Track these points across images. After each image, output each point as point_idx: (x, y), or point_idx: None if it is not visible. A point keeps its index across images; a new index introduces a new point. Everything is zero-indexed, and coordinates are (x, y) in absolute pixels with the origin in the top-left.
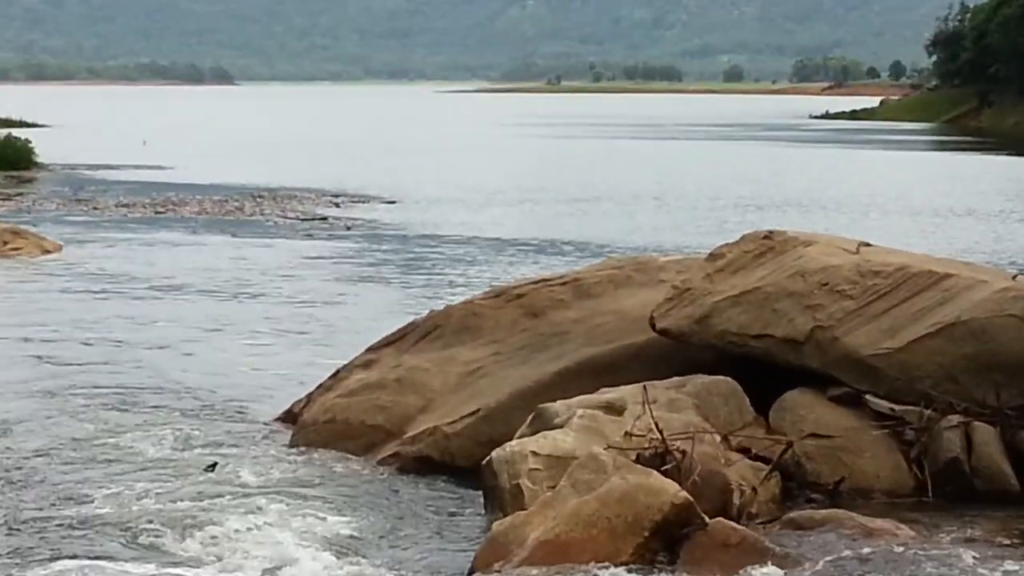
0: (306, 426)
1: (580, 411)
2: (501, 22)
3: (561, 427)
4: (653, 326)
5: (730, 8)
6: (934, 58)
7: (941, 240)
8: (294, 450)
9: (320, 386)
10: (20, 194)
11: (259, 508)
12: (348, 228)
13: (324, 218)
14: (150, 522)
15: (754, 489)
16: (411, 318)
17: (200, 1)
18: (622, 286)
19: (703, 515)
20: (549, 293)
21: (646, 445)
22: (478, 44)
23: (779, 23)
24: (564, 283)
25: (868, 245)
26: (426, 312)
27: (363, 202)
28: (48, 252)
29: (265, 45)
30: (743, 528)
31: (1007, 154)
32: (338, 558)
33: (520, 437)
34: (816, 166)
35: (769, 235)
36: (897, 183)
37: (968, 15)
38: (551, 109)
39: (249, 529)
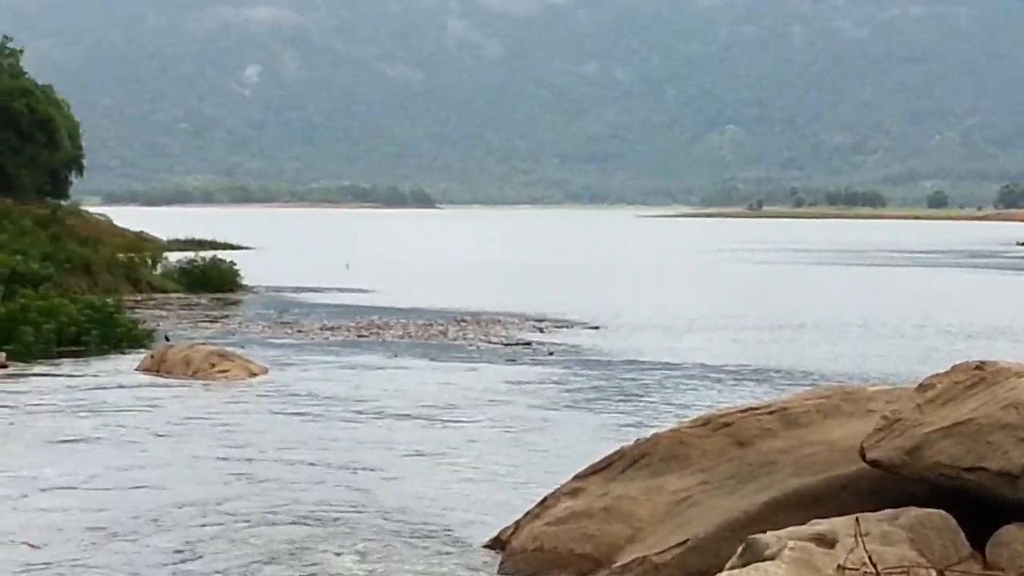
0: (514, 553)
1: (791, 543)
2: (701, 147)
3: (772, 559)
4: (863, 457)
5: (932, 133)
6: None
7: None
8: None
9: (528, 513)
10: (226, 316)
11: None
12: (551, 353)
13: (528, 343)
14: None
15: None
16: (617, 445)
17: (401, 125)
18: (830, 416)
19: None
20: (756, 422)
21: None
22: (678, 169)
23: (982, 148)
24: (771, 412)
25: None
26: (632, 440)
27: (566, 327)
28: (254, 374)
29: (466, 169)
30: None
31: None
32: None
33: (730, 569)
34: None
35: (981, 365)
36: None
37: None
38: (752, 234)
39: None
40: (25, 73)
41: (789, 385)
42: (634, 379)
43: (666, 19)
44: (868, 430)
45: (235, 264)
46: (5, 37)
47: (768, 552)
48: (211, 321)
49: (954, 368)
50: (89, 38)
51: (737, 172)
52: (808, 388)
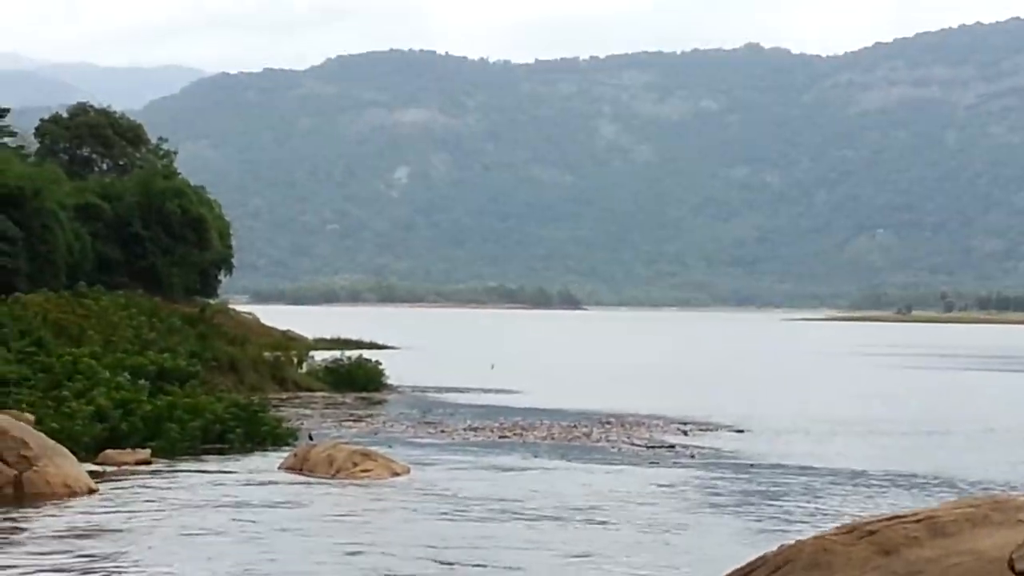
0: None
1: None
2: (850, 251)
3: None
4: (1012, 568)
5: None
6: None
7: None
8: None
9: None
10: (371, 415)
11: None
12: (692, 456)
13: (671, 446)
14: None
15: None
16: (759, 551)
17: (549, 227)
18: (979, 525)
19: None
20: (903, 530)
21: None
22: (826, 272)
23: None
24: (918, 520)
25: None
26: (775, 546)
27: (710, 430)
28: (397, 474)
29: (612, 271)
30: None
31: None
32: None
33: None
34: None
35: None
36: None
37: None
38: (901, 338)
39: None
40: (179, 174)
41: (937, 493)
42: (777, 483)
43: (817, 123)
44: (1018, 540)
45: (380, 363)
46: (160, 139)
47: None
48: (355, 420)
49: None
50: (242, 140)
51: (886, 277)
52: (956, 496)
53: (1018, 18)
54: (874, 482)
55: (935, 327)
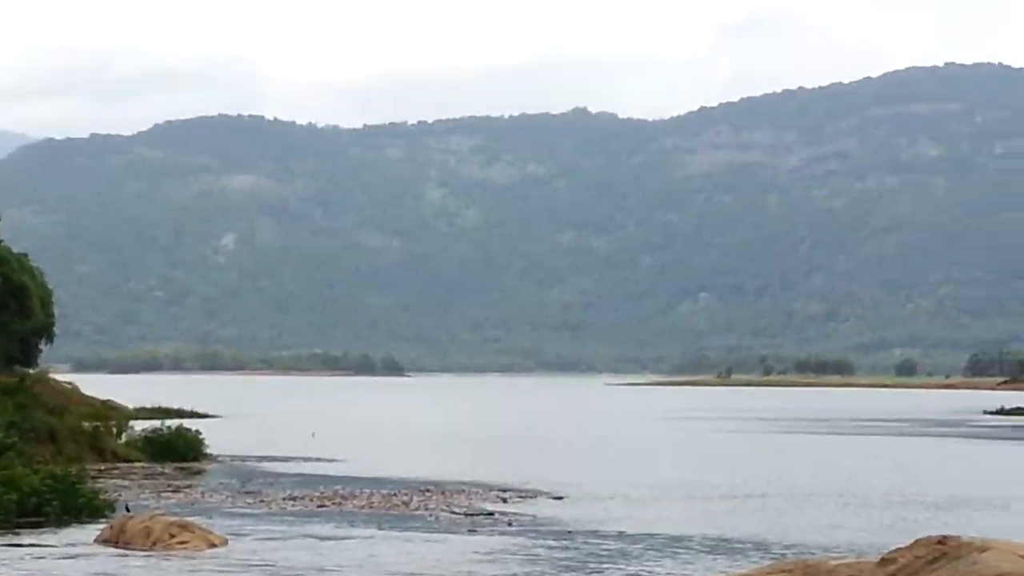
0: None
1: None
2: (674, 315)
3: None
4: None
5: (904, 302)
6: None
7: None
8: None
9: None
10: (190, 486)
11: None
12: (510, 524)
13: (490, 513)
14: None
15: None
16: None
17: (375, 293)
18: None
19: None
20: None
21: None
22: (651, 337)
23: (954, 317)
24: None
25: None
26: None
27: (530, 497)
28: (214, 545)
29: (437, 336)
30: None
31: None
32: None
33: None
34: (991, 464)
35: (943, 540)
36: None
37: None
38: (721, 402)
39: None
40: (1, 241)
41: (753, 557)
42: (594, 550)
43: (643, 187)
44: None
45: (200, 433)
46: None
47: None
48: (174, 491)
49: (916, 542)
50: (68, 205)
51: (709, 340)
52: (772, 560)
53: (840, 83)
54: (691, 547)
55: (755, 390)
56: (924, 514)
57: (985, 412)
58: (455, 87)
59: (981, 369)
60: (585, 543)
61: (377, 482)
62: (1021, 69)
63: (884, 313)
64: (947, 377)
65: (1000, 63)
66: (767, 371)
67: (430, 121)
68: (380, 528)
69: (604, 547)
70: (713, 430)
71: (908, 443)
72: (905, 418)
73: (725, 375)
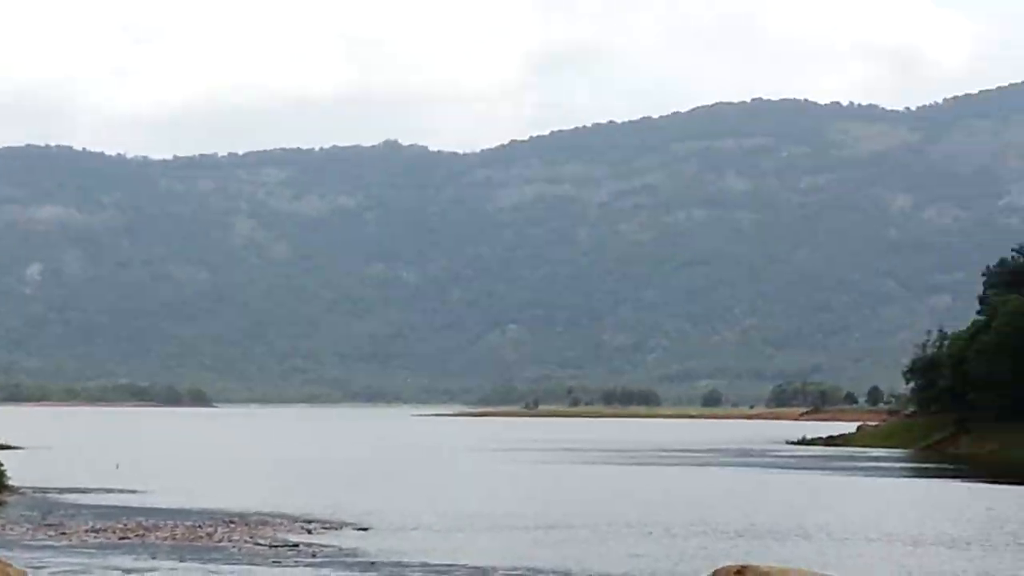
0: None
1: None
2: (481, 347)
3: None
4: None
5: (710, 334)
6: (912, 384)
7: (917, 570)
8: None
9: None
10: None
11: None
12: (314, 555)
13: (295, 545)
14: None
15: None
16: None
17: (181, 324)
18: None
19: None
20: None
21: None
22: (459, 368)
23: (759, 348)
24: None
25: None
26: None
27: (335, 528)
28: None
29: (244, 368)
30: None
31: (985, 481)
32: None
33: None
34: (793, 493)
35: (742, 569)
36: (873, 510)
37: (946, 342)
38: (528, 433)
39: None
40: None
41: None
42: None
43: (453, 220)
44: None
45: (1, 464)
46: None
47: None
48: None
49: (716, 571)
50: None
51: (517, 372)
52: None
53: (649, 117)
54: None
55: (562, 421)
56: (725, 543)
57: (788, 442)
58: (266, 119)
59: (785, 400)
60: (389, 574)
61: (181, 513)
62: (826, 105)
63: (690, 345)
64: (751, 408)
65: (806, 99)
66: (574, 402)
67: (241, 153)
68: (183, 560)
69: None
70: (519, 461)
71: (712, 473)
72: (709, 448)
73: (532, 406)
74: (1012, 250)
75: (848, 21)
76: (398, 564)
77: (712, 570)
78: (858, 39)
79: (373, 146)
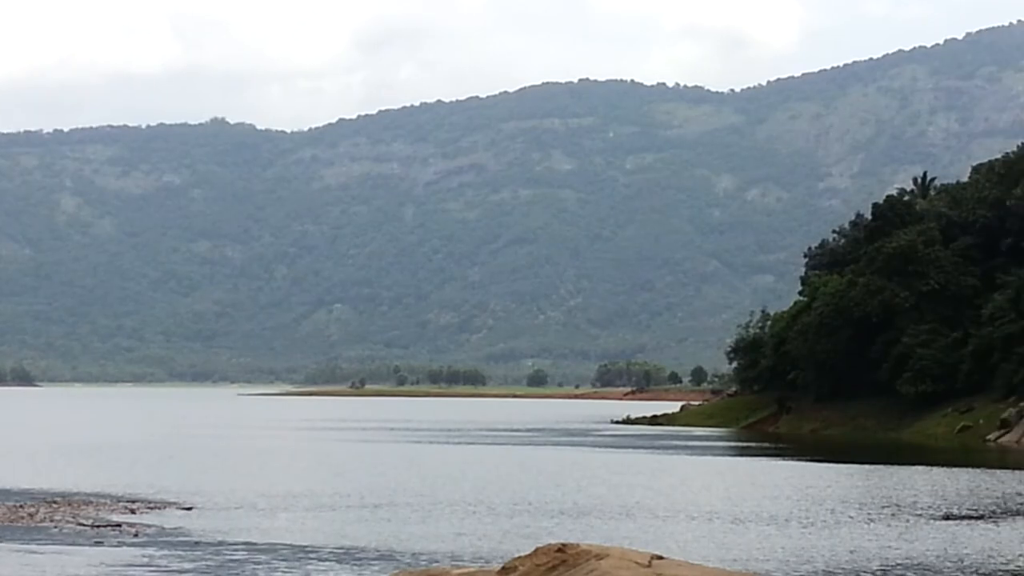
0: None
1: None
2: (307, 326)
3: None
4: None
5: (536, 313)
6: (734, 364)
7: (738, 547)
8: None
9: None
10: None
11: None
12: (137, 535)
13: (117, 525)
14: None
15: None
16: None
17: (3, 301)
18: None
19: None
20: None
21: None
22: (284, 347)
23: (584, 328)
24: None
25: (661, 558)
26: None
27: (159, 508)
28: None
29: (68, 346)
30: None
31: (804, 460)
32: None
33: None
34: (617, 472)
35: (563, 548)
36: (696, 488)
37: (768, 323)
38: (354, 412)
39: None
40: None
41: (378, 566)
42: (220, 561)
43: (280, 199)
44: None
45: None
46: None
47: None
48: None
49: (537, 550)
50: None
51: (342, 351)
52: (397, 569)
53: (477, 97)
54: (318, 557)
55: (388, 400)
56: (549, 522)
57: (612, 421)
58: (92, 96)
59: (609, 379)
60: (212, 554)
61: (2, 494)
62: (652, 86)
63: (516, 324)
64: (577, 387)
65: (632, 80)
66: (400, 381)
67: (66, 130)
68: (3, 540)
69: (231, 558)
70: (343, 440)
71: (537, 452)
72: (535, 428)
73: (358, 385)
74: (832, 231)
75: (676, 2)
76: (221, 543)
77: (534, 548)
78: (686, 21)
79: (200, 124)
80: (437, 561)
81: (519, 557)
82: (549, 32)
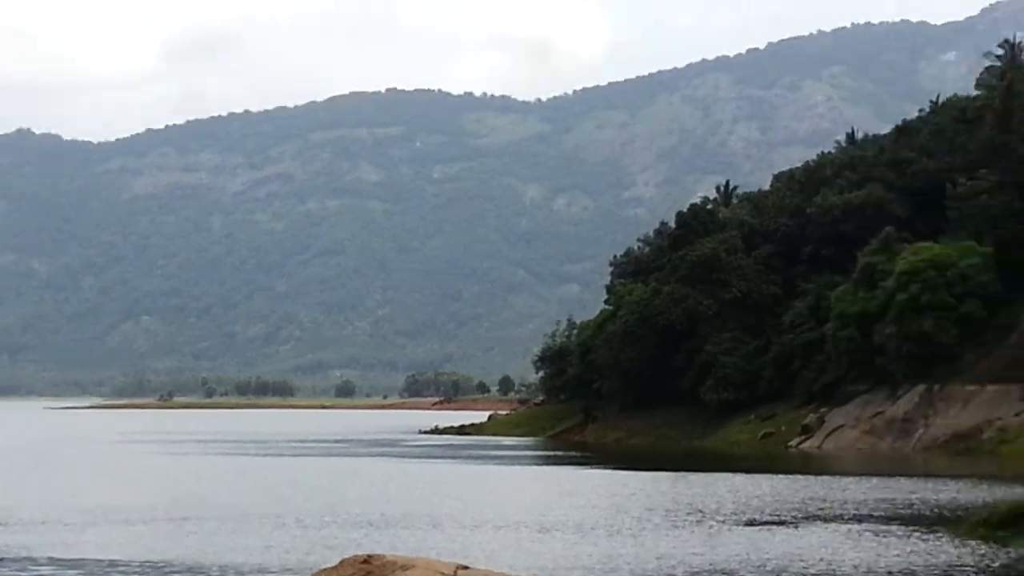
0: None
1: None
2: (115, 338)
3: None
4: None
5: (344, 324)
6: (541, 373)
7: (544, 556)
8: None
9: None
10: None
11: None
12: None
13: None
14: None
15: None
16: None
17: None
18: None
19: None
20: None
21: None
22: (92, 360)
23: (392, 339)
24: None
25: (466, 568)
26: None
27: None
28: None
29: None
30: None
31: (610, 468)
32: None
33: None
34: (424, 482)
35: (368, 559)
36: (503, 498)
37: (574, 332)
38: (163, 425)
39: None
40: None
41: None
42: None
43: (87, 209)
44: None
45: None
46: None
47: None
48: None
49: (343, 562)
50: None
51: (151, 363)
52: None
53: (285, 107)
54: (126, 571)
55: (196, 412)
56: (357, 533)
57: (420, 432)
58: None
59: (417, 389)
60: (18, 569)
61: None
62: (459, 96)
63: (324, 335)
64: (385, 398)
65: (439, 90)
66: (209, 393)
67: None
68: None
69: (36, 573)
70: (152, 453)
71: (345, 463)
72: (343, 439)
73: (167, 398)
74: (637, 240)
75: (483, 12)
76: (27, 559)
77: (340, 559)
78: (493, 31)
79: (4, 134)
80: (244, 574)
81: (325, 569)
82: (357, 42)
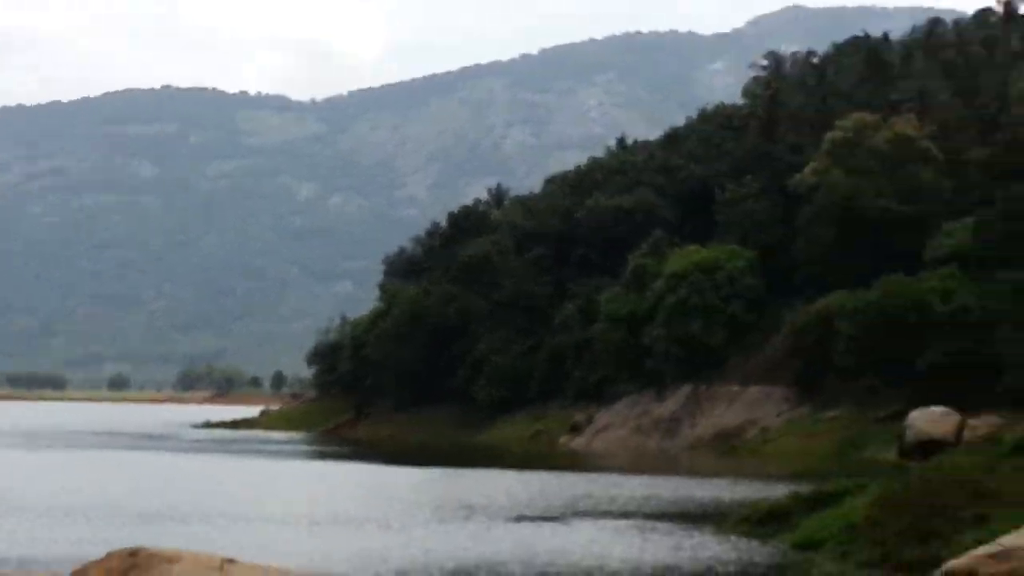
0: None
1: None
2: None
3: None
4: None
5: (117, 317)
6: (314, 369)
7: (315, 549)
8: None
9: None
10: None
11: None
12: None
13: None
14: None
15: None
16: None
17: None
18: None
19: None
20: None
21: None
22: None
23: (165, 332)
24: None
25: (232, 561)
26: None
27: None
28: None
29: None
30: None
31: (381, 463)
32: None
33: None
34: (195, 476)
35: (135, 552)
36: (274, 492)
37: (348, 328)
38: None
39: None
40: None
41: None
42: None
43: None
44: None
45: None
46: None
47: None
48: None
49: (109, 555)
50: None
51: None
52: None
53: (59, 101)
54: None
55: None
56: (125, 526)
57: (192, 426)
58: None
59: (190, 384)
60: None
61: None
62: (234, 94)
63: (97, 328)
64: (158, 391)
65: (214, 88)
66: None
67: None
68: None
69: None
70: None
71: (115, 457)
72: (114, 432)
73: None
74: (410, 240)
75: (265, 13)
76: None
77: (106, 553)
78: (270, 31)
79: None
80: (7, 566)
81: (91, 562)
82: (132, 38)
